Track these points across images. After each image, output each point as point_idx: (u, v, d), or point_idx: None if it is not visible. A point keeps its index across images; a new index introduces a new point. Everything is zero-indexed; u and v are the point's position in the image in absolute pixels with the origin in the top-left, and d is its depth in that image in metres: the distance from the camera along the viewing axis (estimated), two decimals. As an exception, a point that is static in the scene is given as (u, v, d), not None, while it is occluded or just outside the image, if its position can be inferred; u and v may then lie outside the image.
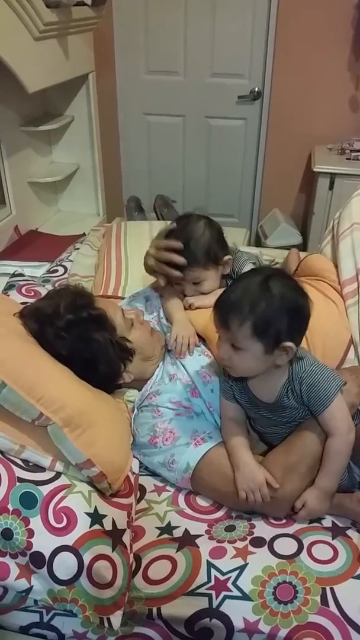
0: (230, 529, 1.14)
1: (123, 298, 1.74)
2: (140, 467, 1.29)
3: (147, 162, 3.54)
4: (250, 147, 3.35)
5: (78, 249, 2.18)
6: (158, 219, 2.99)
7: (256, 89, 3.18)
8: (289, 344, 1.05)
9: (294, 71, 3.06)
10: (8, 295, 1.59)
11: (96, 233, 2.29)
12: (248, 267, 1.49)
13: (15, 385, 1.05)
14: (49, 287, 1.82)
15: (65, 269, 2.04)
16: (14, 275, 1.68)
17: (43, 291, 1.57)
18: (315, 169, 2.80)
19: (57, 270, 2.05)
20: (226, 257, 1.46)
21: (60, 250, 2.29)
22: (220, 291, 1.17)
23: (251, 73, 3.17)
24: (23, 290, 1.56)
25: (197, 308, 1.45)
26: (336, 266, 1.56)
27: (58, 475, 1.10)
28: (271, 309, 1.04)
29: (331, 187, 2.81)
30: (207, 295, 1.45)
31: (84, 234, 2.48)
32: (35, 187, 2.78)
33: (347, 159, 2.86)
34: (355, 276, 1.49)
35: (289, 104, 3.14)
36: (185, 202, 3.50)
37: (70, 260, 2.09)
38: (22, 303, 1.44)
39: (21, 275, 1.66)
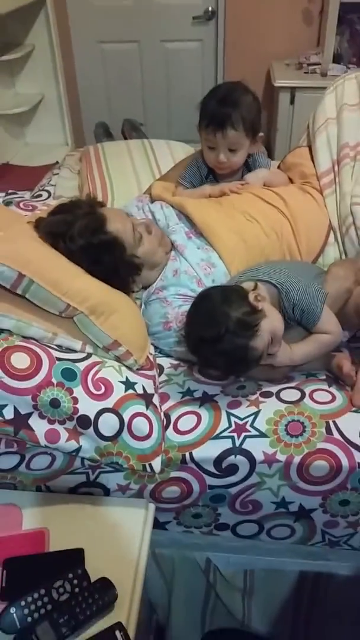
0: (241, 387, 1.32)
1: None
2: (155, 351, 1.44)
3: (105, 91, 3.53)
4: (209, 67, 3.38)
5: (57, 173, 2.23)
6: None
7: (210, 9, 3.19)
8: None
9: (246, -13, 3.07)
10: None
11: (72, 157, 2.33)
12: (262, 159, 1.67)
13: (42, 282, 1.16)
14: (38, 211, 1.89)
15: (49, 193, 2.10)
16: (7, 194, 1.74)
17: (40, 207, 1.64)
18: (276, 84, 2.89)
19: (40, 195, 2.10)
20: (260, 134, 1.59)
21: (36, 180, 2.31)
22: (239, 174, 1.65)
23: (204, -8, 3.16)
24: (21, 205, 1.63)
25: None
26: (313, 160, 1.69)
27: (90, 355, 1.24)
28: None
29: (292, 102, 2.91)
30: (250, 183, 1.63)
31: (57, 163, 2.51)
32: (0, 119, 2.77)
33: (305, 72, 2.94)
34: (332, 168, 1.64)
35: (244, 22, 3.17)
36: (147, 129, 3.51)
37: (53, 185, 2.14)
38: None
39: (14, 193, 1.72)
